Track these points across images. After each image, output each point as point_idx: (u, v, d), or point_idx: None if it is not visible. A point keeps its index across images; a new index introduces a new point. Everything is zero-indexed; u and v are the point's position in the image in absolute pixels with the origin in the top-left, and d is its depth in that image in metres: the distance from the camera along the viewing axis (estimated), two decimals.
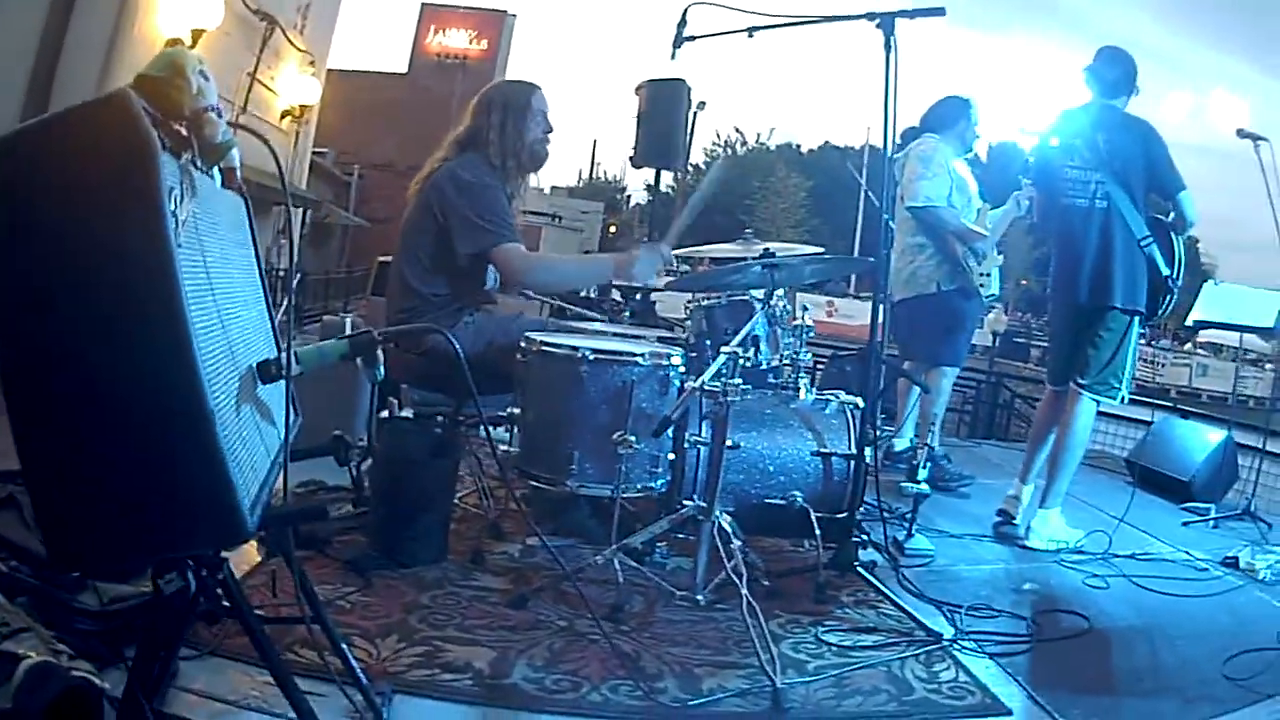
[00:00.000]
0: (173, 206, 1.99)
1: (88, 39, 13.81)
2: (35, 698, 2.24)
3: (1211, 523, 7.03)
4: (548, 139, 5.09)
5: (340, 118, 31.09)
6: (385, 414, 4.76)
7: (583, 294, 7.81)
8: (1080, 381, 5.89)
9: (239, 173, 2.55)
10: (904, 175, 7.23)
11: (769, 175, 64.43)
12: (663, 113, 8.13)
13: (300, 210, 27.89)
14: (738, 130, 74.70)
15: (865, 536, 4.96)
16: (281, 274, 23.71)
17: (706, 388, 4.12)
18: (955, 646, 4.01)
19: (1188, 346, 48.32)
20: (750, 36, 4.87)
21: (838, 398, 4.95)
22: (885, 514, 5.54)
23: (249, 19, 18.31)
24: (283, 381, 2.52)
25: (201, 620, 2.93)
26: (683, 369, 4.39)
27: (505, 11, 51.87)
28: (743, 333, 4.28)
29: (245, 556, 3.92)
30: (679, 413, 4.11)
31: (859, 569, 4.60)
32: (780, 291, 5.01)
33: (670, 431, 4.21)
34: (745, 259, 4.81)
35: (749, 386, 4.40)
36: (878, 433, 5.64)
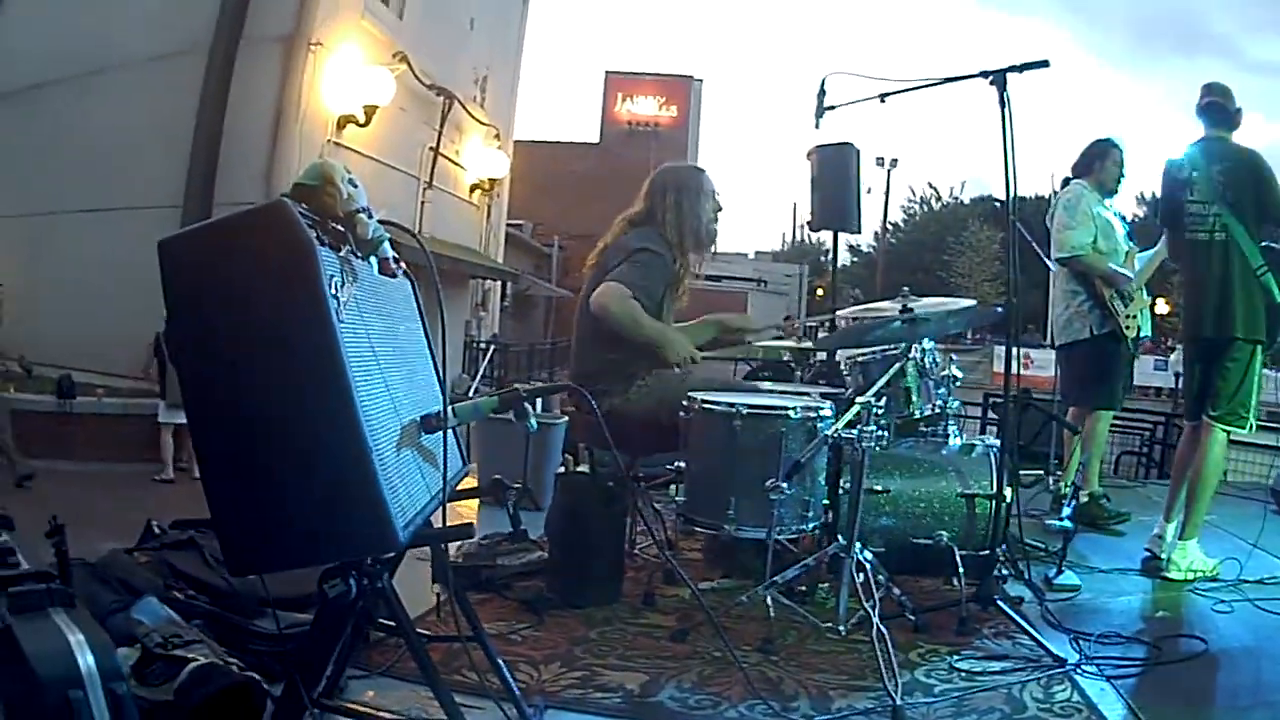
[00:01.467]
0: (333, 291, 2.55)
1: (250, 116, 14.55)
2: (194, 694, 2.80)
3: None
4: (717, 218, 5.60)
5: (535, 189, 31.74)
6: (562, 469, 5.24)
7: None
8: (1211, 414, 6.02)
9: (392, 262, 3.01)
10: (1053, 224, 7.50)
11: (963, 230, 64.11)
12: (833, 177, 8.51)
13: (499, 282, 28.65)
14: (931, 186, 74.46)
15: (1005, 572, 5.25)
16: (481, 345, 24.52)
17: (843, 436, 4.52)
18: (1077, 671, 4.26)
19: None
20: (882, 102, 5.23)
21: (983, 442, 5.32)
22: (1037, 551, 5.86)
23: (424, 94, 18.93)
24: (450, 431, 3.06)
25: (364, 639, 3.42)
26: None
27: (691, 77, 52.45)
28: (876, 385, 4.68)
29: (422, 598, 4.40)
30: (808, 458, 4.49)
31: (1000, 603, 4.82)
32: (927, 344, 5.36)
33: (824, 479, 4.73)
34: (883, 316, 5.24)
35: (885, 434, 4.84)
36: (1021, 474, 5.88)
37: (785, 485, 4.42)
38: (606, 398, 5.03)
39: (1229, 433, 6.06)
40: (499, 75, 24.34)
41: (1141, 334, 7.49)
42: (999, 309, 5.50)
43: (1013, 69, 4.93)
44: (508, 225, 28.04)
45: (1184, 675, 4.42)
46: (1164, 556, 6.06)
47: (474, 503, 6.03)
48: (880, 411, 4.73)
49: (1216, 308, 5.99)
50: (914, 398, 5.36)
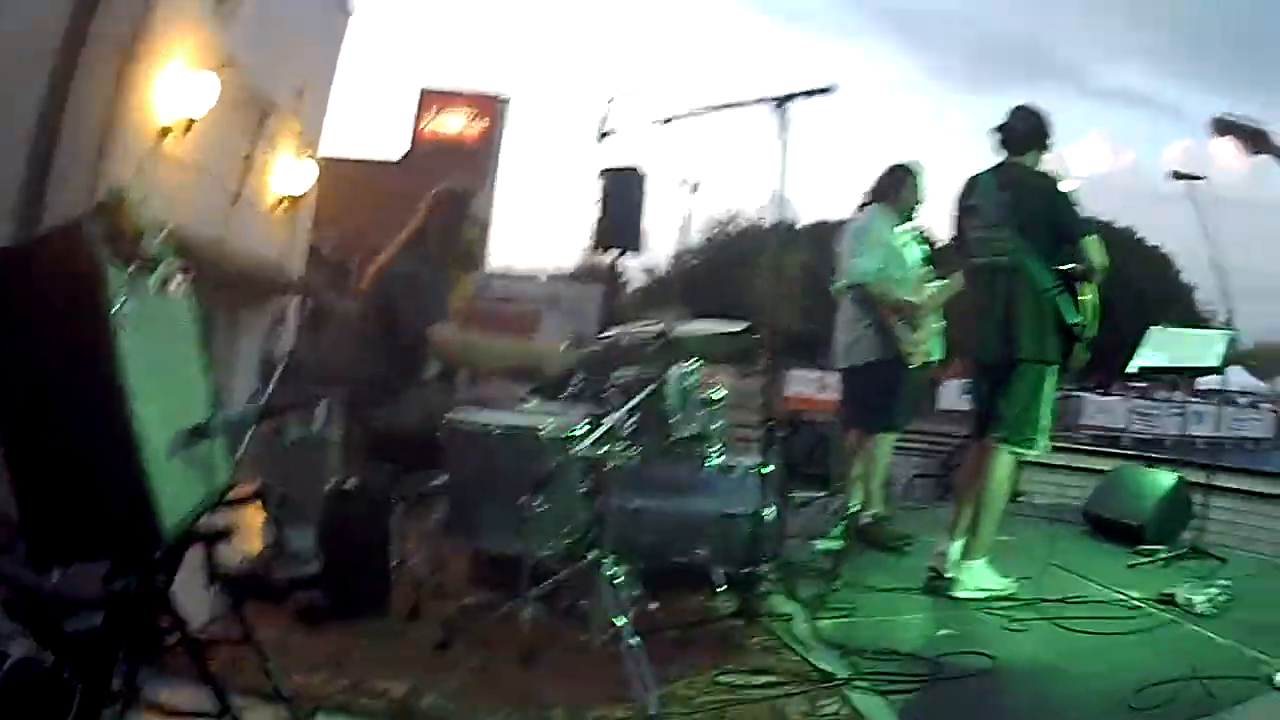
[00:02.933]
0: (116, 307, 2.85)
1: (84, 127, 14.39)
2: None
3: (1161, 563, 7.54)
4: (478, 242, 6.16)
5: (339, 205, 31.55)
6: (334, 482, 5.50)
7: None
8: (996, 436, 6.34)
9: (175, 279, 3.31)
10: (842, 250, 7.85)
11: (761, 253, 64.50)
12: (619, 198, 8.79)
13: (299, 297, 28.47)
14: (733, 209, 75.31)
15: (772, 591, 5.61)
16: (278, 360, 24.32)
17: (586, 454, 4.92)
18: (848, 686, 4.56)
19: (1177, 395, 48.62)
20: (664, 125, 5.49)
21: (743, 463, 5.70)
22: (810, 570, 6.25)
23: (243, 105, 18.75)
24: (233, 439, 3.37)
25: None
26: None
27: (498, 97, 52.56)
28: (627, 405, 5.13)
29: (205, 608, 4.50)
30: (552, 475, 4.79)
31: (764, 619, 5.18)
32: (690, 366, 5.76)
33: (583, 494, 5.02)
34: (639, 338, 5.66)
35: (639, 453, 5.31)
36: (796, 495, 6.24)
37: (535, 502, 4.72)
38: (376, 411, 5.45)
39: (1015, 455, 6.41)
40: (315, 89, 24.18)
41: (932, 360, 7.85)
42: (756, 335, 5.78)
43: (795, 95, 5.17)
44: (310, 240, 27.90)
45: (966, 691, 4.76)
46: (949, 575, 6.35)
47: (257, 515, 6.23)
48: (636, 431, 5.17)
49: (1000, 331, 6.32)
50: (674, 419, 5.63)
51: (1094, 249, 6.28)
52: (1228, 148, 4.95)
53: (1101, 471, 10.42)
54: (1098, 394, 45.70)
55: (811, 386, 31.25)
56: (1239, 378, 58.63)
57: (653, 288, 62.06)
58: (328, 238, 35.84)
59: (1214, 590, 6.36)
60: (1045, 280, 6.22)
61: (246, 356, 21.99)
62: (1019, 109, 6.62)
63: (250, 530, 5.83)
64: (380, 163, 49.06)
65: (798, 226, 65.07)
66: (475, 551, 5.39)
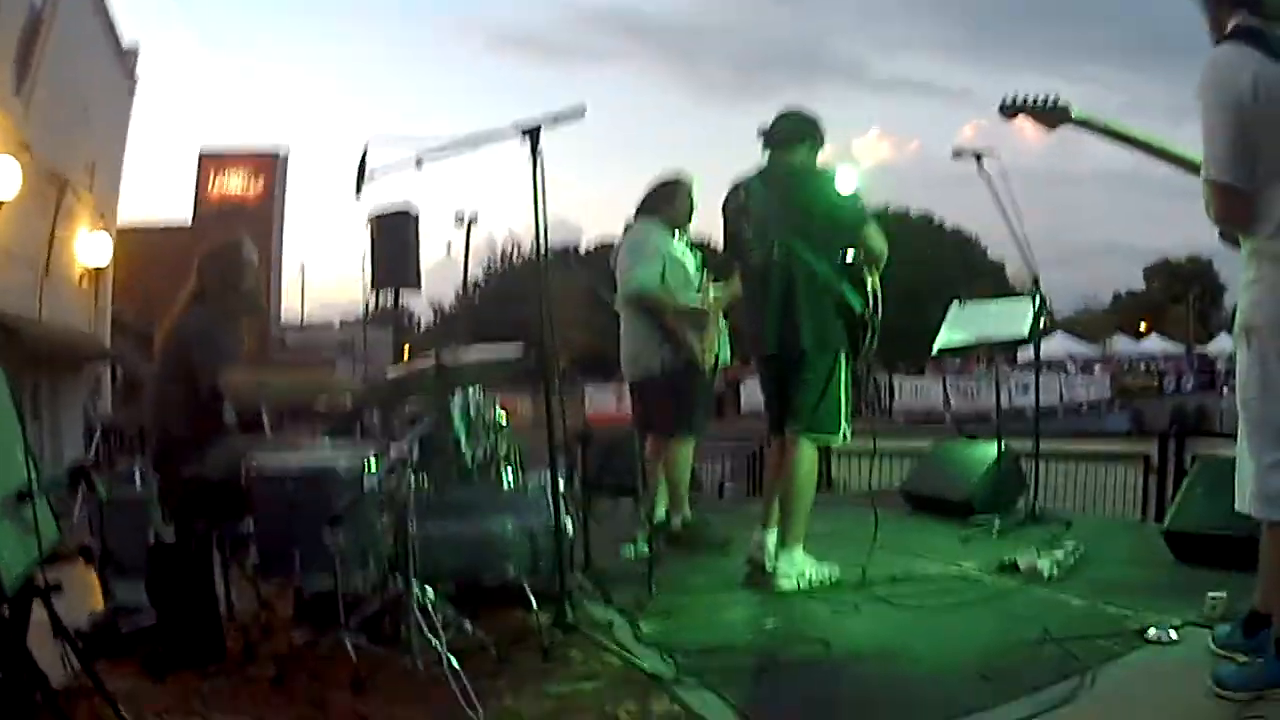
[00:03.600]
0: None
1: None
2: None
3: (995, 533, 7.72)
4: (258, 287, 6.33)
5: (136, 273, 31.48)
6: (153, 538, 5.61)
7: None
8: (795, 428, 6.51)
9: None
10: (618, 265, 8.00)
11: (546, 279, 64.56)
12: (391, 238, 8.81)
13: (109, 366, 29.02)
14: (513, 240, 75.84)
15: (576, 600, 5.60)
16: (94, 428, 24.57)
17: (379, 486, 5.14)
18: (678, 684, 4.63)
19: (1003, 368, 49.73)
20: (419, 167, 5.59)
21: (535, 479, 5.88)
22: (626, 576, 6.36)
23: (42, 183, 18.97)
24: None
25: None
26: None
27: (275, 154, 52.76)
28: (412, 435, 5.36)
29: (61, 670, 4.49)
30: (348, 509, 4.96)
31: (583, 628, 5.27)
32: (474, 390, 6.01)
33: (382, 523, 5.18)
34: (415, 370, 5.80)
35: (429, 479, 5.52)
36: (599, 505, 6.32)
37: (338, 537, 4.86)
38: (185, 467, 5.55)
39: (817, 444, 6.58)
40: (106, 161, 24.57)
41: (720, 362, 8.03)
42: (529, 356, 5.85)
43: (545, 122, 5.34)
44: (113, 309, 28.17)
45: (802, 678, 4.85)
46: (768, 569, 6.46)
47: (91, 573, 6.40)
48: (427, 459, 5.44)
49: (783, 325, 6.49)
50: (463, 444, 5.86)
51: (871, 237, 6.52)
52: (1024, 126, 5.11)
53: (917, 453, 10.61)
54: (914, 376, 46.38)
55: (611, 403, 31.90)
56: (1066, 344, 60.15)
57: (440, 324, 62.50)
58: (128, 306, 35.93)
59: (1060, 554, 6.57)
60: (823, 271, 6.39)
61: (69, 421, 22.54)
62: (785, 111, 6.86)
63: (95, 588, 6.09)
64: (173, 228, 49.03)
65: (581, 249, 66.11)
66: (294, 589, 5.48)
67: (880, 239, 6.53)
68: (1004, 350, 11.72)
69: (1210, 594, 5.11)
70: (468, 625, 5.12)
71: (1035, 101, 4.94)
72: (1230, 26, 4.14)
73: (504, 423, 6.11)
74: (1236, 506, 4.16)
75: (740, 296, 7.32)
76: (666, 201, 8.06)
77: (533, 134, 5.31)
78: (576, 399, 39.18)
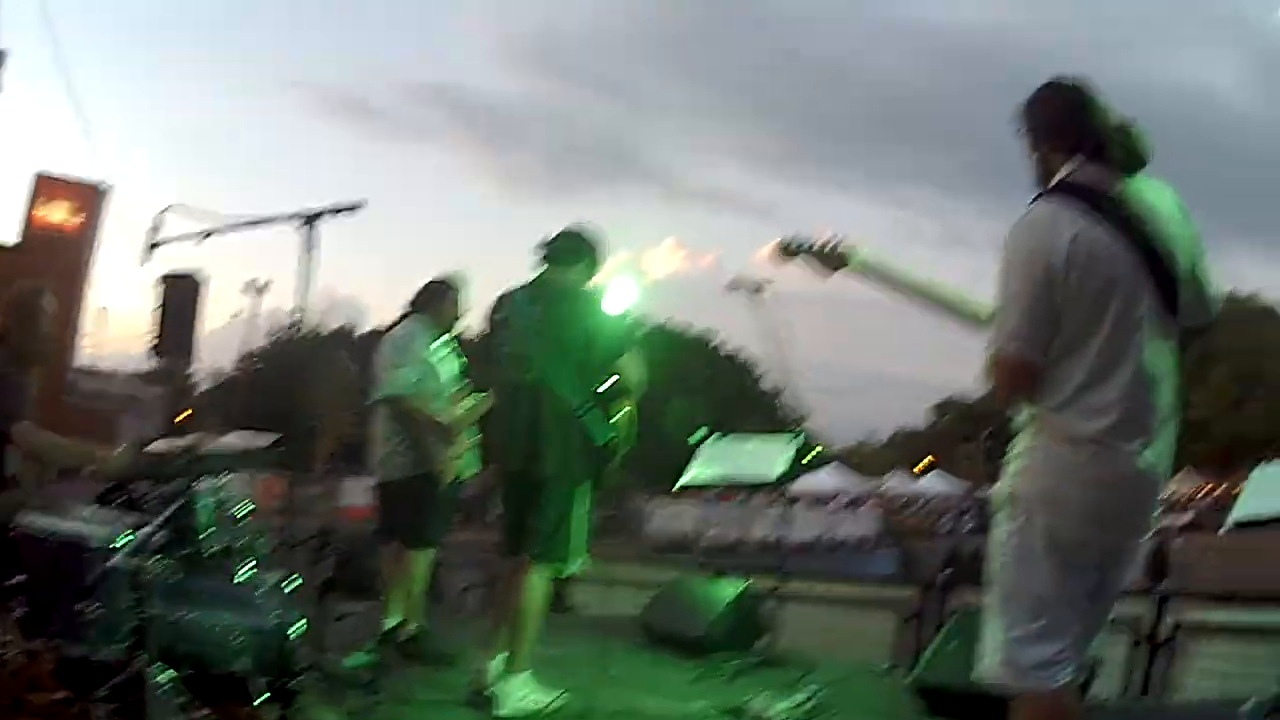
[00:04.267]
0: None
1: None
2: None
3: (730, 675, 7.75)
4: (52, 339, 6.36)
5: None
6: None
7: None
8: (528, 553, 6.52)
9: None
10: (380, 362, 7.99)
11: (323, 360, 64.40)
12: (174, 302, 8.76)
13: None
14: (299, 312, 75.44)
15: (301, 702, 5.62)
16: None
17: (125, 567, 5.13)
18: None
19: (756, 500, 49.97)
20: (204, 240, 5.76)
21: (272, 577, 5.86)
22: (354, 681, 6.35)
23: None
24: None
25: None
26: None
27: (98, 186, 52.06)
28: (157, 521, 5.37)
29: None
30: (92, 583, 5.02)
31: None
32: (222, 478, 5.94)
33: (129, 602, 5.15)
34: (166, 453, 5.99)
35: (173, 563, 5.41)
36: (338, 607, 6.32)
37: (87, 608, 4.95)
38: None
39: (550, 572, 6.60)
40: None
41: (465, 475, 8.06)
42: (280, 450, 5.88)
43: (323, 212, 5.49)
44: None
45: None
46: (490, 691, 6.46)
47: None
48: (170, 543, 5.39)
49: (527, 449, 6.51)
50: (206, 532, 5.76)
51: (629, 367, 6.67)
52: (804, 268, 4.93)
53: (659, 581, 10.51)
54: (670, 501, 46.61)
55: (364, 496, 31.52)
56: (837, 477, 61.09)
57: (218, 391, 61.77)
58: None
59: (798, 698, 6.68)
60: (573, 398, 6.46)
61: None
62: (567, 227, 6.95)
63: None
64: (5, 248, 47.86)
65: (356, 334, 66.02)
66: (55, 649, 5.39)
67: (638, 369, 6.69)
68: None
69: None
70: (201, 712, 5.10)
71: (816, 246, 4.80)
72: (1060, 176, 4.04)
73: (248, 513, 6.06)
74: (975, 674, 4.11)
75: (490, 409, 7.47)
76: (435, 302, 8.10)
77: (311, 222, 5.45)
78: (331, 489, 38.96)
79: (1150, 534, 4.08)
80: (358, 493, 33.05)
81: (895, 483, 68.99)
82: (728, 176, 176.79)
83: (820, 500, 55.24)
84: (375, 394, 7.96)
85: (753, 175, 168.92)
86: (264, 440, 5.84)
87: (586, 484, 6.62)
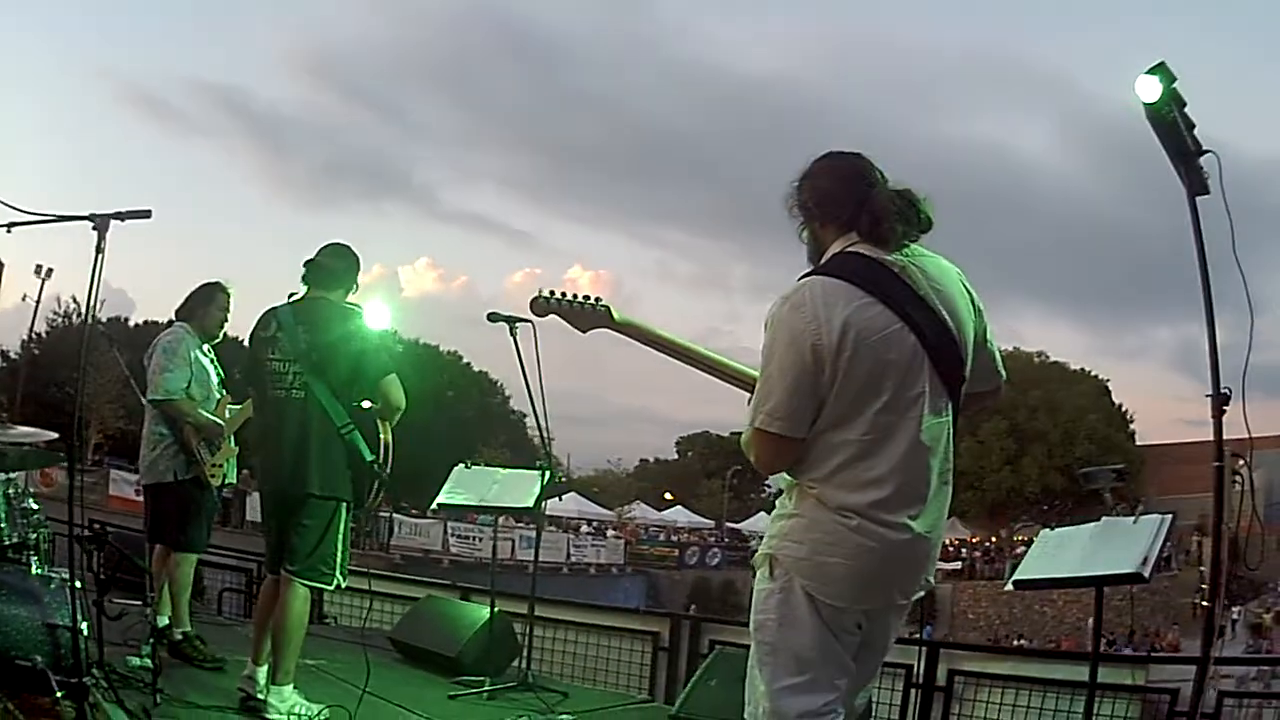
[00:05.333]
0: None
1: None
2: None
3: (486, 695, 7.98)
4: None
5: None
6: None
7: None
8: (290, 569, 6.57)
9: None
10: (151, 364, 8.01)
11: (94, 350, 62.88)
12: None
13: None
14: (75, 300, 73.95)
15: (93, 698, 5.65)
16: None
17: None
18: None
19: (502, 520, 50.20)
20: (9, 232, 5.68)
21: (60, 575, 5.87)
22: (134, 681, 6.36)
23: None
24: None
25: None
26: None
27: None
28: None
29: None
30: None
31: None
32: (13, 475, 6.06)
33: None
34: None
35: None
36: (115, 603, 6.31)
37: None
38: None
39: (311, 586, 6.67)
40: None
41: (226, 480, 8.21)
42: (62, 454, 5.86)
43: (116, 215, 5.49)
44: None
45: None
46: (260, 699, 6.56)
47: None
48: None
49: (291, 466, 6.63)
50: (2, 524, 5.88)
51: (391, 389, 6.76)
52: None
53: (414, 598, 10.96)
54: (416, 516, 46.51)
55: (132, 489, 30.99)
56: (580, 505, 61.47)
57: (3, 370, 60.26)
58: None
59: None
60: (339, 418, 6.58)
61: None
62: (332, 246, 7.10)
63: None
64: None
65: (131, 324, 64.67)
66: None
67: (399, 392, 6.76)
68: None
69: None
70: (5, 703, 5.17)
71: (572, 301, 4.73)
72: (833, 251, 4.05)
73: (35, 509, 5.99)
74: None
75: (248, 420, 7.67)
76: (203, 307, 8.23)
77: (101, 226, 5.43)
78: (100, 479, 38.09)
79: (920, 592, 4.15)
80: (125, 485, 32.36)
81: (639, 512, 69.51)
82: (487, 203, 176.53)
83: (564, 524, 55.57)
84: (148, 395, 8.06)
85: (512, 203, 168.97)
86: (46, 437, 5.77)
87: (349, 504, 6.72)
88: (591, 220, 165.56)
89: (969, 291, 4.15)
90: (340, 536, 6.66)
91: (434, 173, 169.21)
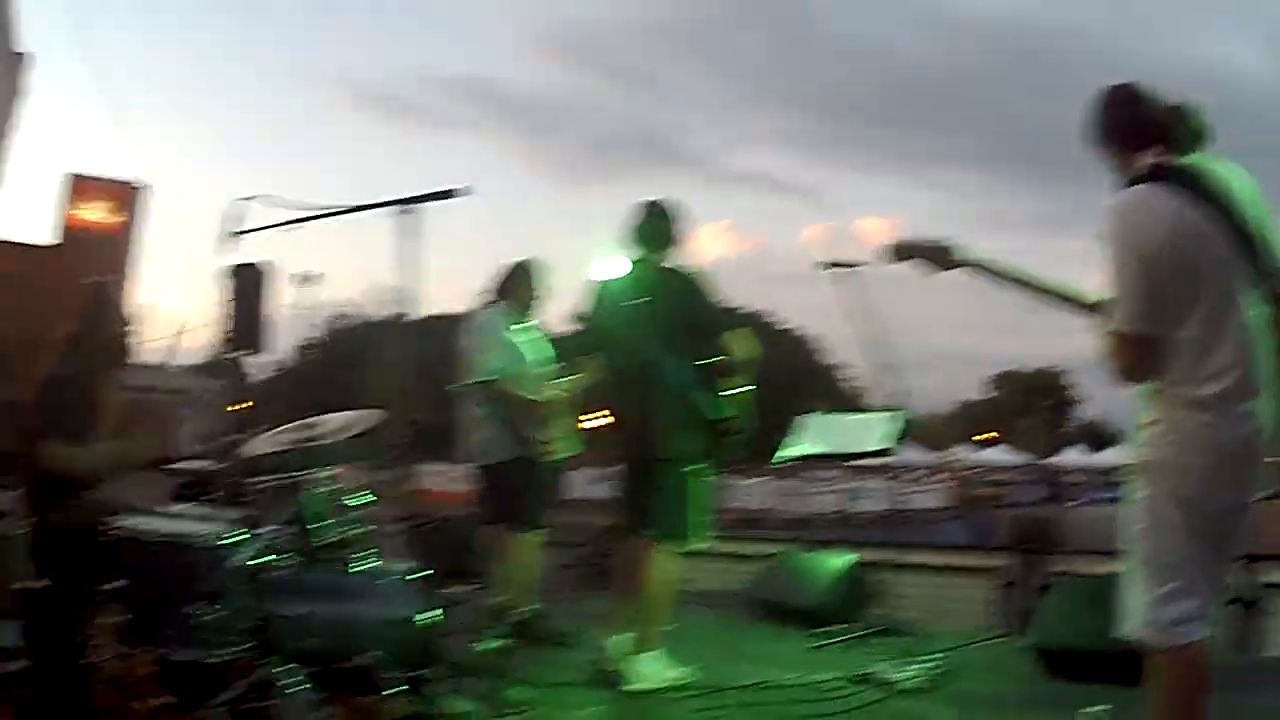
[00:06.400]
0: None
1: None
2: None
3: (846, 644, 7.74)
4: (125, 335, 5.99)
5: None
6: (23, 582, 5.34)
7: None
8: (649, 533, 6.52)
9: None
10: (466, 348, 8.00)
11: (383, 348, 64.45)
12: (244, 297, 8.70)
13: None
14: (354, 302, 75.83)
15: (435, 691, 5.43)
16: None
17: (249, 565, 4.93)
18: None
19: (830, 473, 49.88)
20: (289, 228, 5.52)
21: (396, 567, 5.66)
22: (475, 668, 6.15)
23: None
24: None
25: None
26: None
27: (132, 184, 51.98)
28: (279, 514, 5.20)
29: None
30: (217, 586, 4.82)
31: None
32: (331, 469, 5.74)
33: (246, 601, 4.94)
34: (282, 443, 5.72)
35: (299, 560, 5.27)
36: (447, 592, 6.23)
37: (199, 610, 4.72)
38: (53, 512, 5.37)
39: (672, 549, 6.53)
40: None
41: (563, 455, 8.01)
42: (403, 435, 5.78)
43: (424, 198, 5.28)
44: None
45: None
46: (617, 669, 6.43)
47: None
48: (287, 537, 5.17)
49: (641, 431, 6.57)
50: (322, 523, 5.60)
51: (739, 343, 6.64)
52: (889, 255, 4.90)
53: (760, 556, 10.72)
54: (744, 478, 46.64)
55: (441, 480, 31.52)
56: (905, 451, 61.01)
57: (276, 381, 62.28)
58: None
59: (919, 666, 6.58)
60: (683, 379, 6.45)
61: None
62: (647, 204, 6.95)
63: None
64: (34, 246, 48.01)
65: (413, 319, 66.33)
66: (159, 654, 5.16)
67: (747, 344, 6.64)
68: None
69: (1084, 710, 5.20)
70: (328, 710, 4.95)
71: (929, 244, 4.80)
72: (1143, 167, 4.15)
73: (363, 504, 5.94)
74: (1117, 632, 4.18)
75: (587, 390, 7.47)
76: (516, 287, 8.14)
77: (409, 210, 5.23)
78: (408, 474, 38.96)
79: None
80: (436, 477, 33.14)
81: (961, 455, 68.88)
82: (765, 162, 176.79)
83: (892, 473, 55.24)
84: (466, 379, 7.94)
85: (789, 160, 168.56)
86: (375, 418, 5.73)
87: (703, 461, 6.57)
88: (867, 168, 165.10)
89: (1255, 191, 4.24)
90: (698, 497, 6.55)
91: (706, 138, 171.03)
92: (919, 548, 11.81)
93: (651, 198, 6.98)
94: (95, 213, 48.51)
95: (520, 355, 7.91)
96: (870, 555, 9.19)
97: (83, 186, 49.20)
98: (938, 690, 6.37)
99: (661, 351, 6.45)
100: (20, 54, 25.30)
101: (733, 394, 6.63)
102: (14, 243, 43.31)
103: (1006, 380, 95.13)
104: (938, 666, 6.65)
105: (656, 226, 6.83)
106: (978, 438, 77.30)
